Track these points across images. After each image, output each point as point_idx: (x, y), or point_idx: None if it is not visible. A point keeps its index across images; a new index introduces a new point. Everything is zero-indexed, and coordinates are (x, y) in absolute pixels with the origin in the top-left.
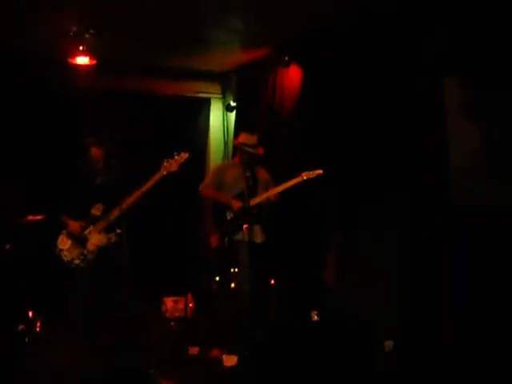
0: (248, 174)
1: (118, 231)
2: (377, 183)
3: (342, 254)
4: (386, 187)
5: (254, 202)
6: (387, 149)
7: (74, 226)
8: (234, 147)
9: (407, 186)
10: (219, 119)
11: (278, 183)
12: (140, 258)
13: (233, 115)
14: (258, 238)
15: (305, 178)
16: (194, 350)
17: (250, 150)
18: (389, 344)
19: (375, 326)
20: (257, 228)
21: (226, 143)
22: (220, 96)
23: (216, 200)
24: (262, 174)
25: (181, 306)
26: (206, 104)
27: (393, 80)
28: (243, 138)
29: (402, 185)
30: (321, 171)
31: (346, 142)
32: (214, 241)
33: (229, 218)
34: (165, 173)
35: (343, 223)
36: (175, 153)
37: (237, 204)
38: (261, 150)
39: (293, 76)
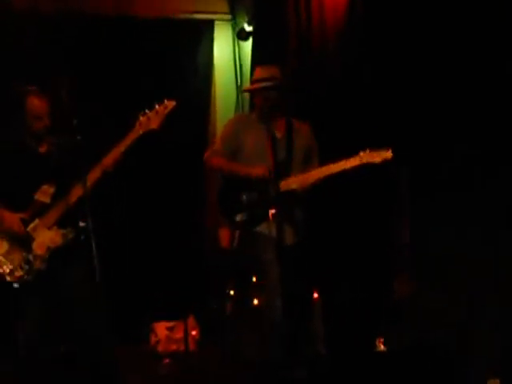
0: (276, 136)
1: (82, 224)
2: (465, 162)
3: (418, 257)
4: (479, 169)
5: (285, 186)
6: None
7: (11, 220)
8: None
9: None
10: (228, 52)
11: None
12: (118, 264)
13: (248, 46)
14: (288, 239)
15: (363, 161)
16: None
17: (265, 84)
18: None
19: (472, 357)
20: (290, 223)
21: (238, 87)
22: (228, 17)
23: (229, 173)
24: (300, 134)
25: (179, 334)
26: (207, 29)
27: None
28: (255, 74)
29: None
30: (389, 155)
31: (421, 95)
32: (224, 237)
33: (245, 200)
34: (141, 132)
35: (416, 214)
36: (157, 103)
37: (261, 170)
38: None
39: None
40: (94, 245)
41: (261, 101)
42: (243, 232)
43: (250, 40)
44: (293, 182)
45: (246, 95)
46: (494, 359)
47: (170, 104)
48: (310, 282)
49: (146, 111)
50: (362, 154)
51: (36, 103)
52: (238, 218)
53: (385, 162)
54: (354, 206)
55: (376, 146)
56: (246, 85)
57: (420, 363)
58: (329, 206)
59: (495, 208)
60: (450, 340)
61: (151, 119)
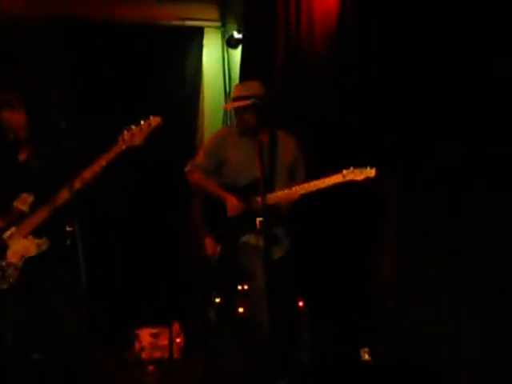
0: (262, 149)
1: (69, 229)
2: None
3: (405, 266)
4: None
5: (270, 200)
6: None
7: None
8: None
9: None
10: (217, 59)
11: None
12: (104, 270)
13: (237, 53)
14: (276, 252)
15: (345, 179)
16: None
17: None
18: None
19: (458, 371)
20: (275, 237)
21: (227, 95)
22: (218, 24)
23: (205, 192)
24: (286, 147)
25: (163, 341)
26: (197, 36)
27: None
28: (234, 92)
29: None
30: (372, 173)
31: (412, 99)
32: (209, 245)
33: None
34: (124, 147)
35: (404, 225)
36: (142, 119)
37: (235, 206)
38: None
39: None
40: (80, 250)
41: (237, 120)
42: (228, 244)
43: (240, 47)
44: (276, 197)
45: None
46: (480, 373)
47: (155, 121)
48: (296, 291)
49: (132, 127)
50: (344, 171)
51: (10, 117)
52: (223, 230)
53: (367, 180)
54: (341, 213)
55: (363, 160)
56: None
57: (405, 375)
58: (316, 215)
59: (485, 221)
60: (436, 352)
61: (135, 135)
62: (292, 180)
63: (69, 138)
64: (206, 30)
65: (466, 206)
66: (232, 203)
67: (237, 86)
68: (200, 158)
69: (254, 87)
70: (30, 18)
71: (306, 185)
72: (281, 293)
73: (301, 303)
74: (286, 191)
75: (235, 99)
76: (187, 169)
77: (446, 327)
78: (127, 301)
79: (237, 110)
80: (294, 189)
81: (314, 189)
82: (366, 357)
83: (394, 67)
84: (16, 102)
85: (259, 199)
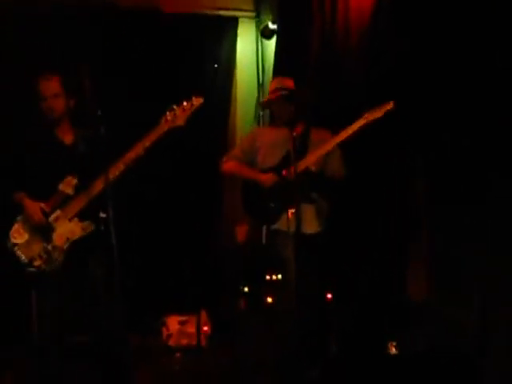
0: (294, 134)
1: (103, 216)
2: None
3: (437, 256)
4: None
5: (302, 166)
6: None
7: (33, 209)
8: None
9: None
10: (251, 50)
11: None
12: (133, 257)
13: (272, 44)
14: (310, 227)
15: (368, 120)
16: None
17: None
18: None
19: (486, 364)
20: (308, 210)
21: (260, 86)
22: (253, 14)
23: (240, 176)
24: (318, 135)
25: (190, 329)
26: (231, 27)
27: None
28: (270, 87)
29: None
30: (390, 105)
31: (447, 93)
32: (241, 233)
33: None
34: (166, 128)
35: (434, 216)
36: (185, 99)
37: (267, 178)
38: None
39: None
40: (113, 236)
41: (275, 110)
42: (261, 228)
43: (274, 38)
44: (308, 159)
45: (267, 93)
46: (508, 367)
47: (198, 101)
48: (325, 282)
49: (174, 107)
50: (365, 114)
51: (46, 84)
52: (257, 214)
53: (388, 113)
54: (371, 208)
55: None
56: (268, 84)
57: (431, 368)
58: (345, 207)
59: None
60: (464, 346)
61: (177, 116)
62: (325, 167)
63: (104, 124)
64: (240, 20)
65: (496, 200)
66: (265, 177)
67: (276, 78)
68: (236, 150)
69: (289, 83)
70: (68, 4)
71: (332, 138)
72: (310, 281)
73: (329, 295)
74: (316, 150)
75: (278, 89)
76: (223, 159)
77: (473, 321)
78: (156, 288)
79: (276, 100)
80: (323, 145)
81: (342, 138)
82: (394, 350)
83: (427, 62)
84: (51, 75)
85: (292, 168)
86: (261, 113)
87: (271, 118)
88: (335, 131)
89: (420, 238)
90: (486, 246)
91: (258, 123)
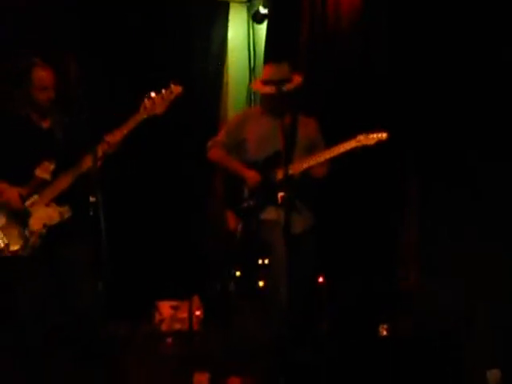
0: (284, 125)
1: (92, 199)
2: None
3: (427, 244)
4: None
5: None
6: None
7: (9, 194)
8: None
9: None
10: (242, 34)
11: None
12: (124, 242)
13: (263, 28)
14: (298, 226)
15: (360, 143)
16: (201, 378)
17: (275, 88)
18: (494, 375)
19: (473, 347)
20: (297, 211)
21: (252, 71)
22: None
23: (226, 168)
24: (306, 127)
25: (183, 314)
26: (221, 11)
27: None
28: (265, 73)
29: None
30: (384, 136)
31: (435, 88)
32: (231, 220)
33: (246, 194)
34: (145, 116)
35: (425, 205)
36: (164, 88)
37: (252, 178)
38: (297, 79)
39: None
40: (102, 221)
41: (264, 100)
42: (249, 220)
43: (265, 23)
44: (294, 167)
45: (259, 77)
46: (494, 350)
47: (176, 89)
48: (317, 265)
49: (152, 94)
50: (358, 137)
51: (42, 74)
52: (245, 204)
53: (380, 143)
54: (362, 194)
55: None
56: (259, 68)
57: (421, 351)
58: (337, 194)
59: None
60: (453, 330)
61: (156, 104)
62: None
63: (85, 108)
64: (231, 4)
65: (486, 191)
66: (250, 175)
67: (267, 67)
68: (221, 135)
69: (284, 71)
70: None
71: (322, 152)
72: (301, 267)
73: (321, 279)
74: (304, 160)
75: (266, 82)
76: (208, 144)
77: (461, 305)
78: (148, 273)
79: (277, 95)
80: (311, 157)
81: (331, 155)
82: (385, 333)
83: (420, 55)
84: (46, 62)
85: (279, 171)
86: (252, 96)
87: (261, 101)
88: (324, 115)
89: (410, 225)
90: (474, 232)
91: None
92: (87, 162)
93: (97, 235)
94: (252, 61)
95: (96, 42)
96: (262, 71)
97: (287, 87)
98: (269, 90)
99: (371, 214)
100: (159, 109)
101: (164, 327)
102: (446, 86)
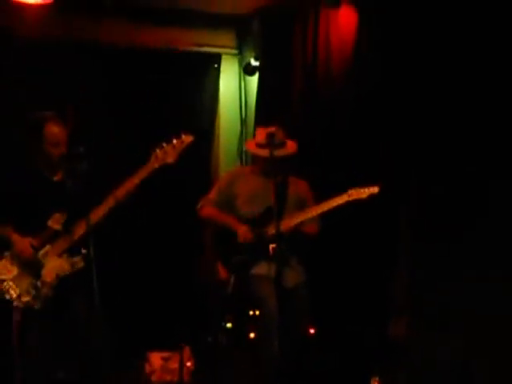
0: (275, 183)
1: (83, 251)
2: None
3: (419, 296)
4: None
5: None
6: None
7: (22, 245)
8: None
9: None
10: (234, 86)
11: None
12: (116, 293)
13: (254, 80)
14: (290, 281)
15: (352, 197)
16: None
17: (269, 153)
18: None
19: None
20: (289, 266)
21: (243, 122)
22: (235, 51)
23: (217, 223)
24: (297, 186)
25: (173, 365)
26: (214, 63)
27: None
28: (259, 136)
29: None
30: (376, 190)
31: (427, 127)
32: (222, 270)
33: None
34: (156, 165)
35: (416, 256)
36: (174, 137)
37: (244, 233)
38: (291, 145)
39: (344, 21)
40: (94, 272)
41: (259, 165)
42: (240, 275)
43: (257, 75)
44: (285, 224)
45: (250, 129)
46: None
47: (188, 138)
48: (308, 317)
49: (163, 144)
50: (349, 191)
51: (55, 130)
52: (236, 259)
53: (371, 198)
54: (354, 245)
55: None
56: (250, 120)
57: None
58: (329, 246)
59: (496, 254)
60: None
61: (168, 153)
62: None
63: (86, 161)
64: (223, 56)
65: (479, 236)
66: (242, 230)
67: (261, 129)
68: (213, 193)
69: (278, 136)
70: (52, 42)
71: (314, 208)
72: (293, 321)
73: (312, 331)
74: (294, 216)
75: (260, 145)
76: (200, 203)
77: (456, 357)
78: (139, 324)
79: (272, 160)
80: (302, 213)
81: (322, 210)
82: None
83: (409, 96)
84: (59, 117)
85: (270, 226)
86: (243, 148)
87: (253, 162)
88: (319, 166)
89: (402, 278)
90: (467, 285)
91: (241, 159)
92: (98, 214)
93: (90, 287)
94: (244, 112)
95: (96, 95)
96: (253, 125)
97: (280, 153)
98: (262, 153)
99: (364, 266)
100: (170, 158)
101: (154, 378)
102: (438, 135)
